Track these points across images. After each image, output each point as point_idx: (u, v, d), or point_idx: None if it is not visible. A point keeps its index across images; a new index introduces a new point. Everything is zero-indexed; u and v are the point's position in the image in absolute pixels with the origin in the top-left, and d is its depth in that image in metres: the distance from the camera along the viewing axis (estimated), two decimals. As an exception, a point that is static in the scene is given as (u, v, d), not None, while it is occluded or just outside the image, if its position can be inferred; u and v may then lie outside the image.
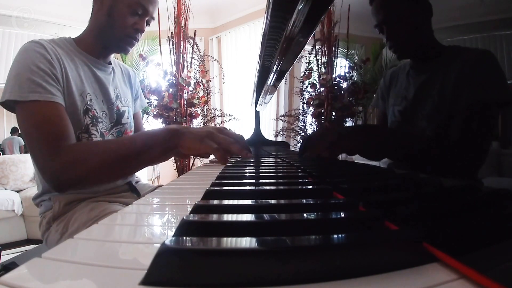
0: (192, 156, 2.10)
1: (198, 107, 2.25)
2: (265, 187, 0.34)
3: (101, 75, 0.79)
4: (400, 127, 0.55)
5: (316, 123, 2.03)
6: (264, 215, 0.20)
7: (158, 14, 2.17)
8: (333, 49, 1.92)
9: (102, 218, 0.24)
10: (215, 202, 0.27)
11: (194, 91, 2.23)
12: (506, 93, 0.31)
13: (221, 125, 2.46)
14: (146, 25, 0.79)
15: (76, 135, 0.70)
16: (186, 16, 2.27)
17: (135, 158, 0.62)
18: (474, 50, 0.36)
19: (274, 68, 0.89)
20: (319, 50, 2.01)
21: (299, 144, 2.17)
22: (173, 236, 0.17)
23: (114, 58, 0.89)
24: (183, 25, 2.24)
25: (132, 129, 0.91)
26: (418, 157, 0.45)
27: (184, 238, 0.16)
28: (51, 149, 0.59)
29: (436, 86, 0.44)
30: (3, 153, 3.00)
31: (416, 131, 0.50)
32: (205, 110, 2.39)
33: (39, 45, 0.65)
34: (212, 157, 0.75)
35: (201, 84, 2.28)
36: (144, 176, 2.81)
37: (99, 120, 0.76)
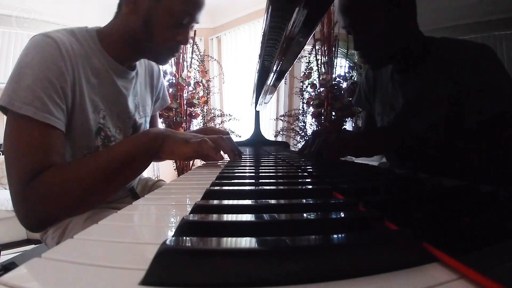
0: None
1: (198, 107, 2.25)
2: (265, 187, 0.34)
3: (120, 84, 0.68)
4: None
5: (316, 123, 2.03)
6: (264, 215, 0.20)
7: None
8: (333, 49, 1.92)
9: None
10: (215, 202, 0.27)
11: (194, 91, 2.24)
12: None
13: (221, 125, 2.45)
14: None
15: (83, 155, 0.62)
16: (186, 16, 2.26)
17: (117, 177, 0.54)
18: (469, 47, 0.32)
19: (274, 68, 0.89)
20: (319, 50, 2.01)
21: (299, 144, 2.17)
22: (173, 236, 0.17)
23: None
24: (183, 25, 2.24)
25: None
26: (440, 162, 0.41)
27: (184, 238, 0.16)
28: (23, 183, 0.49)
29: (432, 96, 0.38)
30: (3, 153, 3.01)
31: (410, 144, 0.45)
32: (205, 110, 2.39)
33: (54, 45, 0.53)
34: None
35: (201, 84, 2.28)
36: (143, 175, 2.80)
37: (112, 139, 0.67)
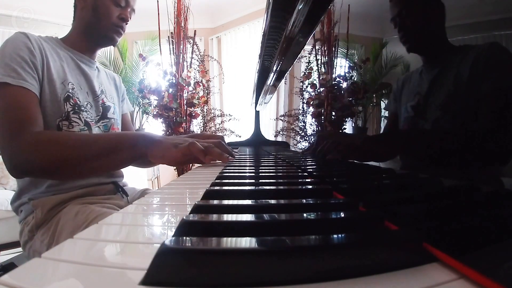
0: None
1: (198, 107, 2.25)
2: (265, 187, 0.33)
3: (85, 68, 0.82)
4: (413, 123, 0.54)
5: (316, 123, 2.03)
6: (264, 215, 0.20)
7: (158, 14, 2.17)
8: (333, 49, 1.92)
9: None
10: (215, 202, 0.27)
11: (194, 91, 2.23)
12: None
13: (221, 125, 2.46)
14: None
15: (56, 123, 0.70)
16: (186, 16, 2.27)
17: (99, 158, 0.60)
18: (484, 44, 0.36)
19: (274, 68, 0.89)
20: (319, 50, 2.00)
21: (299, 144, 2.17)
22: (173, 236, 0.17)
23: (100, 64, 0.92)
24: (183, 25, 2.24)
25: (119, 127, 0.92)
26: (446, 155, 0.44)
27: (184, 238, 0.16)
28: (12, 132, 0.59)
29: (451, 77, 0.43)
30: None
31: (431, 124, 0.49)
32: (205, 110, 2.39)
33: (24, 36, 0.68)
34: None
35: (201, 84, 2.27)
36: (143, 176, 2.81)
37: (82, 108, 0.76)
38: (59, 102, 0.71)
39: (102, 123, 0.83)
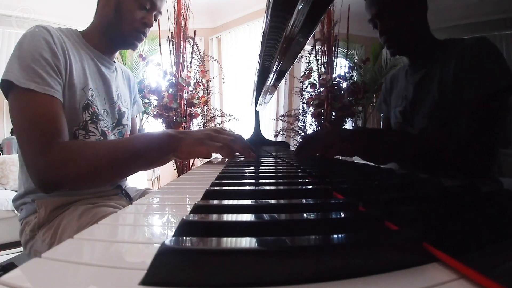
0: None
1: (198, 107, 2.25)
2: (265, 187, 0.34)
3: (105, 72, 0.77)
4: (402, 129, 0.54)
5: (316, 123, 2.03)
6: (264, 215, 0.20)
7: (158, 14, 2.17)
8: (333, 49, 1.91)
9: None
10: (215, 202, 0.26)
11: (194, 91, 2.23)
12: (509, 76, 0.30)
13: (221, 125, 2.46)
14: (154, 19, 0.78)
15: (72, 132, 0.67)
16: (186, 16, 2.27)
17: (129, 163, 0.61)
18: (470, 38, 0.35)
19: (274, 68, 0.89)
20: (319, 50, 2.00)
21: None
22: (173, 236, 0.17)
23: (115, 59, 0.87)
24: (183, 25, 2.24)
25: (129, 132, 0.90)
26: (426, 159, 0.43)
27: (184, 238, 0.16)
28: (42, 145, 0.56)
29: (435, 81, 0.43)
30: (3, 153, 3.00)
31: (419, 131, 0.48)
32: (205, 110, 2.39)
33: (46, 32, 0.62)
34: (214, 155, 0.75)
35: (201, 84, 2.28)
36: (143, 176, 2.81)
37: (100, 117, 0.73)
38: (77, 110, 0.67)
39: (117, 130, 0.81)
